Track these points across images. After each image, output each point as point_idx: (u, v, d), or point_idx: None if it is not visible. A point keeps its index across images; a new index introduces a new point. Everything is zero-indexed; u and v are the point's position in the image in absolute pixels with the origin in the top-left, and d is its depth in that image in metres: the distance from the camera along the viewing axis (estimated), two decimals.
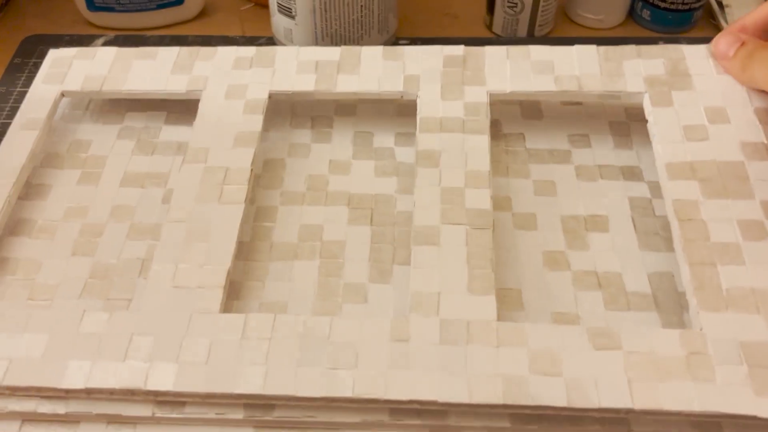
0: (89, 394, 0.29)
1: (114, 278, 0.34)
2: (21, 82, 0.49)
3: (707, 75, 0.39)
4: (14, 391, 0.29)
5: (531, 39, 0.52)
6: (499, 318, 0.32)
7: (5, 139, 0.39)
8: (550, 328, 0.30)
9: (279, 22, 0.49)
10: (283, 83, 0.40)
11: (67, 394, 0.29)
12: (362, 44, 0.48)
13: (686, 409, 0.27)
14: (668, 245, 0.35)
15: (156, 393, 0.29)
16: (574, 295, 0.34)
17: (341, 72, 0.41)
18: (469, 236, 0.33)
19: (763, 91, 0.37)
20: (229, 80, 0.41)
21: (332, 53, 0.42)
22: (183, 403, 0.29)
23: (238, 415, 0.29)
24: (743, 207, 0.33)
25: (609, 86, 0.39)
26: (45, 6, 0.57)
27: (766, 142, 0.35)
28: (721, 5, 0.53)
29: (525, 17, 0.51)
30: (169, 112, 0.43)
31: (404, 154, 0.40)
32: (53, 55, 0.43)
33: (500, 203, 0.38)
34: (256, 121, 0.39)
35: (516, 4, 0.51)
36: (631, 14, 0.54)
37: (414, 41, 0.52)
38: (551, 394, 0.28)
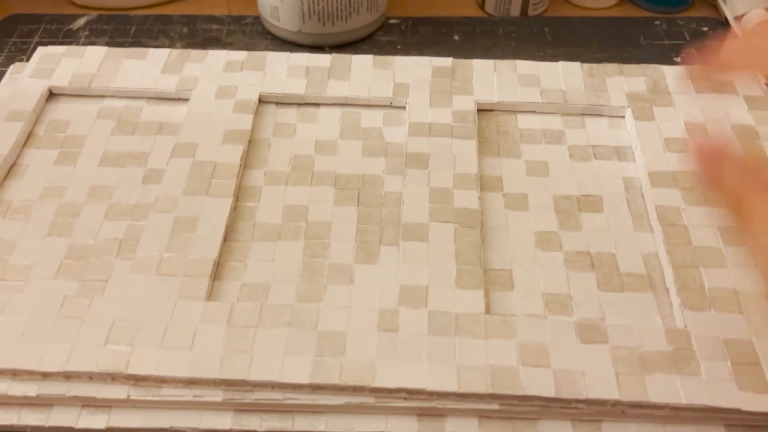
0: (67, 378, 0.29)
1: (91, 259, 0.33)
2: (0, 61, 0.48)
3: (687, 93, 0.40)
4: None
5: (524, 19, 0.51)
6: (488, 298, 0.32)
7: None
8: (539, 321, 0.30)
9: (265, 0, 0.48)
10: (274, 86, 0.41)
11: (44, 378, 0.29)
12: (350, 23, 0.47)
13: (673, 401, 0.28)
14: None
15: (137, 377, 0.28)
16: (566, 276, 0.33)
17: (332, 77, 0.41)
18: (458, 234, 0.33)
19: (740, 109, 0.39)
20: (219, 82, 0.41)
21: (323, 60, 0.42)
22: (159, 386, 0.29)
23: (217, 397, 0.28)
24: (723, 215, 0.34)
25: (593, 100, 0.40)
26: None
27: (743, 156, 0.37)
28: None
29: None
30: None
31: (392, 134, 0.39)
32: (42, 52, 0.43)
33: (491, 183, 0.37)
34: (246, 121, 0.39)
35: None
36: None
37: (405, 20, 0.51)
38: (540, 384, 0.28)
